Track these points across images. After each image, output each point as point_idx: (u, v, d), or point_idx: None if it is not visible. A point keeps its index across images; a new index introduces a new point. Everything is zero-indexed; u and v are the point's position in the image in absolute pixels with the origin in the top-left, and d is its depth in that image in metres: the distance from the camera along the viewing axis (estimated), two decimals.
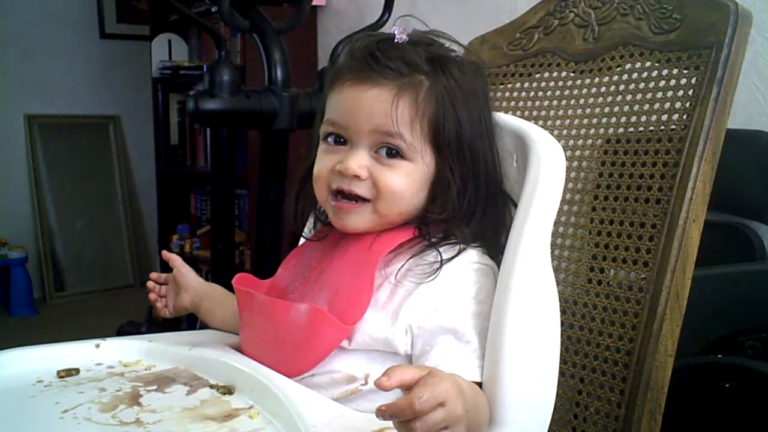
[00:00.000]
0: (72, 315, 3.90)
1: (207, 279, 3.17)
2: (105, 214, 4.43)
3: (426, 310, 0.82)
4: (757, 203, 1.55)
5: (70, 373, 0.86)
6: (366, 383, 0.83)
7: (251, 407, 0.78)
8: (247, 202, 3.10)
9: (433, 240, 0.86)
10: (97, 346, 0.93)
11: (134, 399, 0.79)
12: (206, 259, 2.90)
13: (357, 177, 0.84)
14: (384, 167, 0.85)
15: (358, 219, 0.86)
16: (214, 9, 2.69)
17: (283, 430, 0.72)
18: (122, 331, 3.20)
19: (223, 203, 2.69)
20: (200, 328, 1.10)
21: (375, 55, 0.85)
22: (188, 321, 3.22)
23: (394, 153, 0.85)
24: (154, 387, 0.83)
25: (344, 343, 0.83)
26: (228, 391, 0.82)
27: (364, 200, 0.86)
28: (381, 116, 0.84)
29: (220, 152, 2.41)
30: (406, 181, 0.85)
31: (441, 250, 0.84)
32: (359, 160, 0.85)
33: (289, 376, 0.84)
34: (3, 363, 0.87)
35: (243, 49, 2.97)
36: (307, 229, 1.00)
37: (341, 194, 0.86)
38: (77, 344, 0.93)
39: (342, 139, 0.87)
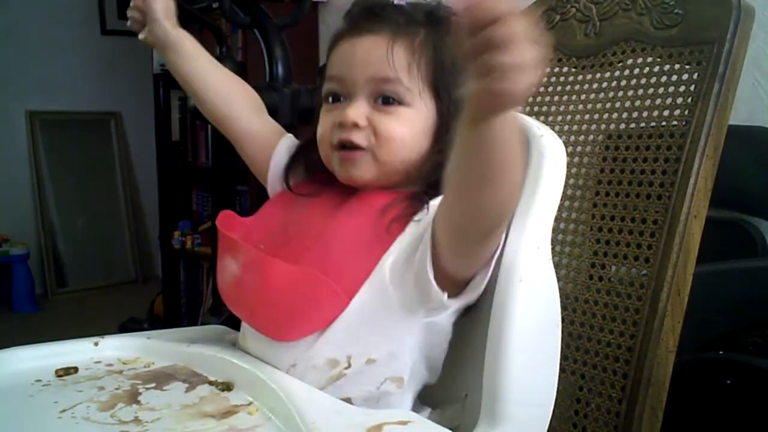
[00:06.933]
0: (74, 311, 3.91)
1: (209, 276, 3.15)
2: (106, 211, 4.43)
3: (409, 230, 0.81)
4: (759, 199, 1.54)
5: (69, 371, 0.86)
6: (349, 366, 0.81)
7: (250, 404, 0.78)
8: (248, 198, 3.09)
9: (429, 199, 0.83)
10: (96, 344, 0.93)
11: (133, 397, 0.79)
12: (208, 255, 2.90)
13: (356, 125, 0.84)
14: (383, 114, 0.84)
15: (360, 168, 0.85)
16: (215, 5, 2.68)
17: (282, 427, 0.72)
18: (124, 328, 3.20)
19: (224, 199, 2.69)
20: (201, 324, 1.09)
21: (371, 10, 0.86)
22: (188, 318, 3.23)
23: (392, 100, 0.84)
24: (153, 384, 0.82)
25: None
26: (227, 387, 0.82)
27: (364, 149, 0.84)
28: (377, 62, 0.83)
29: (221, 148, 2.41)
30: (406, 127, 0.84)
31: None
32: (357, 109, 0.84)
33: (276, 339, 0.82)
34: (1, 362, 0.87)
35: (244, 45, 2.96)
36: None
37: (343, 146, 0.85)
38: (76, 342, 0.92)
39: (341, 97, 0.87)
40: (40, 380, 0.84)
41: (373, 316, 0.80)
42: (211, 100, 1.02)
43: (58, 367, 0.86)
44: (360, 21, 0.86)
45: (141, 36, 1.03)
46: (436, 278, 0.76)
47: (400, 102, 0.84)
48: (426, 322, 0.81)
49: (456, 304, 0.80)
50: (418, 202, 0.83)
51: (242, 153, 1.05)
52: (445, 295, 0.77)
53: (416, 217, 0.82)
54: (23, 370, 0.86)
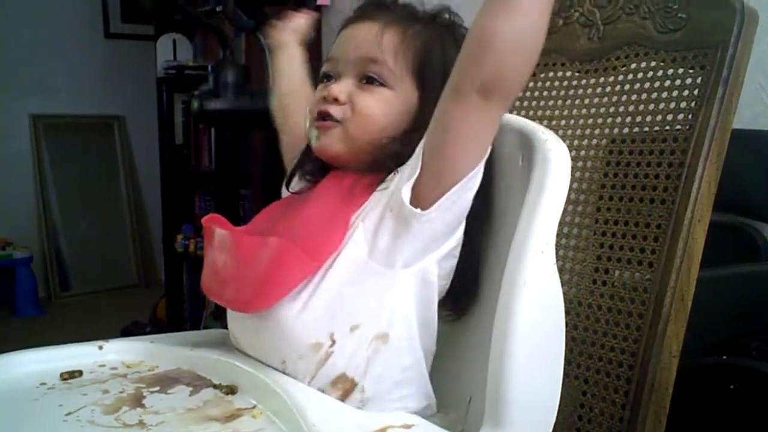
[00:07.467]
0: (77, 314, 3.92)
1: None
2: (109, 214, 4.44)
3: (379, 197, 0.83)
4: (762, 204, 1.54)
5: (73, 375, 0.86)
6: (333, 342, 0.81)
7: (254, 407, 0.78)
8: (251, 201, 3.10)
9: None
10: (100, 347, 0.93)
11: (137, 400, 0.79)
12: None
13: (336, 100, 0.87)
14: (363, 92, 0.87)
15: (331, 139, 0.87)
16: (219, 9, 2.69)
17: (285, 430, 0.72)
18: (127, 332, 3.21)
19: (227, 203, 2.69)
20: (204, 328, 1.09)
21: (378, 3, 0.91)
22: (191, 322, 3.23)
23: (375, 81, 0.87)
24: (157, 388, 0.83)
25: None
26: (231, 390, 0.82)
27: (338, 122, 0.87)
28: (367, 44, 0.87)
29: (225, 152, 2.42)
30: (382, 106, 0.87)
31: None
32: (342, 86, 0.88)
33: (244, 311, 0.84)
34: (6, 366, 0.87)
35: (247, 48, 2.97)
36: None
37: (321, 119, 0.88)
38: (80, 346, 0.93)
39: (333, 78, 0.90)
40: (44, 383, 0.84)
41: (351, 285, 0.81)
42: (285, 93, 1.11)
43: (63, 371, 0.86)
44: (366, 10, 0.90)
45: (267, 40, 1.15)
46: (411, 203, 0.78)
47: (382, 83, 0.87)
48: (409, 273, 0.82)
49: (437, 235, 0.81)
50: (385, 175, 0.85)
51: (281, 144, 1.11)
52: (418, 209, 0.78)
53: (381, 186, 0.84)
54: (28, 374, 0.86)
